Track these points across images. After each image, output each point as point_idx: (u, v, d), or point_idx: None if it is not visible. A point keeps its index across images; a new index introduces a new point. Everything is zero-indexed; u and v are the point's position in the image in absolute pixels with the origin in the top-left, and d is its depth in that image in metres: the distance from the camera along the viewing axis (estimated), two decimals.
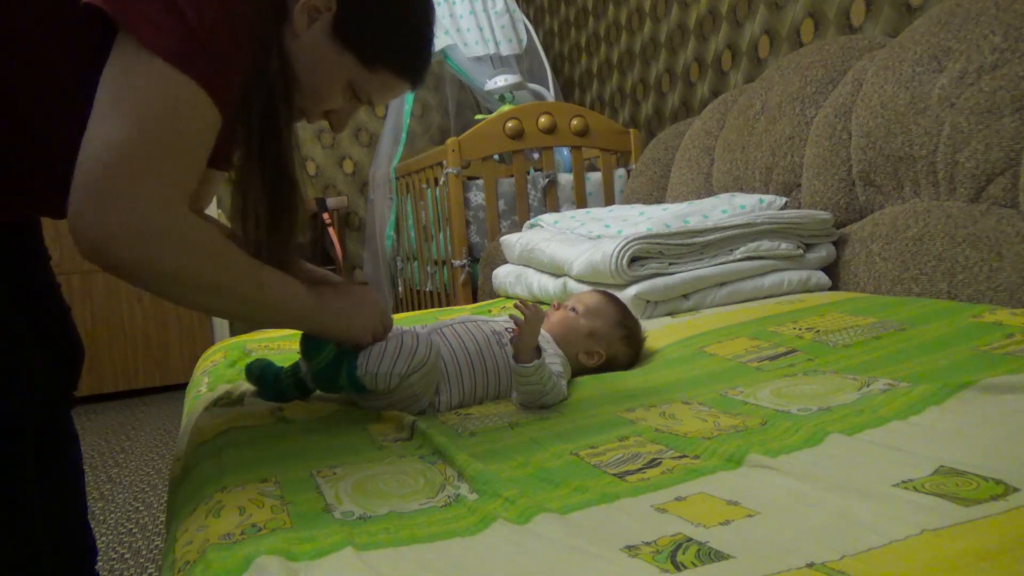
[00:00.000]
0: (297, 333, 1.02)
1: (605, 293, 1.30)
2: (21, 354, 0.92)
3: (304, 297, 0.92)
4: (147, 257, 0.77)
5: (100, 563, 1.73)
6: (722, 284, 1.57)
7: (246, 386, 1.19)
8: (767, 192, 1.91)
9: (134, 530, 2.01)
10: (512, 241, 2.10)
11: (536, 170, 3.03)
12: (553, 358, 1.11)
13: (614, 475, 0.73)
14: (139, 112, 0.77)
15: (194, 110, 0.80)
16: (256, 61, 0.84)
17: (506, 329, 1.11)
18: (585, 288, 1.56)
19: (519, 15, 3.72)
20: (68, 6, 0.78)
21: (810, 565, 0.51)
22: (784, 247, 1.59)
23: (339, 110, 0.95)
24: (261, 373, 1.11)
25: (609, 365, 1.19)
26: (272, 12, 0.85)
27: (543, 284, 1.87)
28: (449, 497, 0.72)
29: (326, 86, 0.91)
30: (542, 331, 1.17)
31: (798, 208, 1.79)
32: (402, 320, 1.85)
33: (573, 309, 1.21)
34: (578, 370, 1.16)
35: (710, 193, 2.17)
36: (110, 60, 0.78)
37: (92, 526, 1.30)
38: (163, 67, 0.76)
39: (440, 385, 1.04)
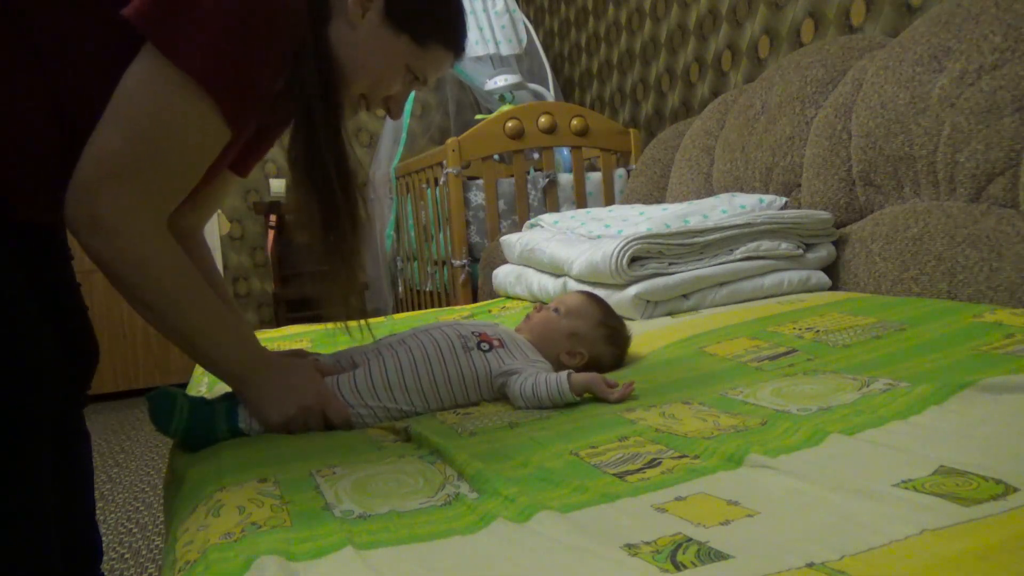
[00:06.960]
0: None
1: (588, 294, 1.29)
2: (43, 351, 0.94)
3: (247, 357, 0.95)
4: (101, 252, 0.83)
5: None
6: (722, 284, 1.57)
7: None
8: (767, 192, 1.91)
9: (134, 530, 2.01)
10: (512, 241, 2.10)
11: (536, 170, 3.03)
12: (534, 364, 1.09)
13: (614, 475, 0.73)
14: (141, 124, 0.82)
15: (200, 125, 0.83)
16: (293, 69, 0.85)
17: (472, 333, 1.10)
18: (586, 288, 1.56)
19: (519, 15, 3.72)
20: (116, 20, 0.80)
21: (810, 565, 0.51)
22: (784, 247, 1.59)
23: (397, 95, 0.99)
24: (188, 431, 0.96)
25: (594, 365, 1.18)
26: (313, 15, 0.87)
27: (543, 284, 1.86)
28: (449, 496, 0.72)
29: (388, 70, 0.95)
30: (520, 338, 1.15)
31: (798, 208, 1.79)
32: (402, 320, 1.85)
33: (556, 310, 1.21)
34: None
35: (710, 193, 2.17)
36: (131, 66, 0.81)
37: None
38: (183, 80, 0.80)
39: (395, 396, 1.01)
